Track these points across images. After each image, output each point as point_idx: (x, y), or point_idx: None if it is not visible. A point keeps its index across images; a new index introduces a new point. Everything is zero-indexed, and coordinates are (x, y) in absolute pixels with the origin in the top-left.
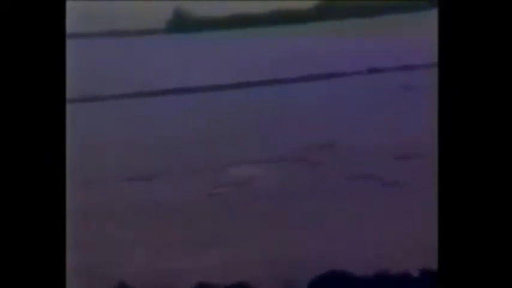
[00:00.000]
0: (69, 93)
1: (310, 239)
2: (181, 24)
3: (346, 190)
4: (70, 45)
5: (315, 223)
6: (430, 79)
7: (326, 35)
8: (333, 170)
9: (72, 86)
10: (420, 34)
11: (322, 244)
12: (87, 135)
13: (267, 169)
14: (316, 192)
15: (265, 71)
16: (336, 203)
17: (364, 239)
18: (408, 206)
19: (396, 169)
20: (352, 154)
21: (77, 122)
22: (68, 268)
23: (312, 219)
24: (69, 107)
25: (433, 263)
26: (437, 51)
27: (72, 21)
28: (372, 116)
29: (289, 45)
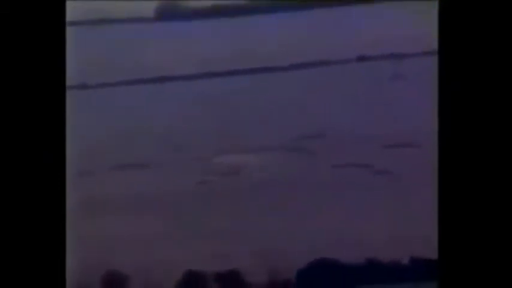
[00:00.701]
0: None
1: (300, 228)
2: (172, 12)
3: (336, 179)
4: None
5: (305, 212)
6: (422, 68)
7: (316, 23)
8: (324, 159)
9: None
10: (413, 23)
11: (313, 232)
12: (75, 125)
13: (257, 158)
14: (307, 181)
15: (253, 60)
16: (326, 191)
17: (355, 226)
18: (398, 194)
19: (387, 158)
20: (343, 143)
21: (69, 111)
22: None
23: (302, 208)
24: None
25: (423, 251)
26: (428, 40)
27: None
28: (362, 105)
29: (279, 34)
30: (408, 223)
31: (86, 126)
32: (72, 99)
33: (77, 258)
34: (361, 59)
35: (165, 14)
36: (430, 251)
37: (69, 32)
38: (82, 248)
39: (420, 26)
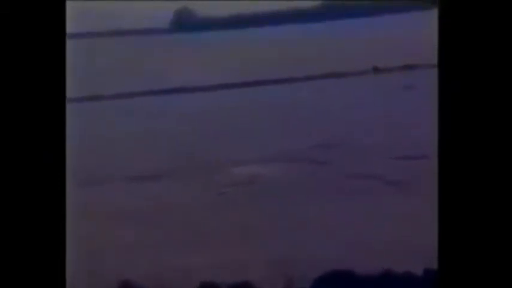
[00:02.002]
0: (72, 92)
1: (314, 238)
2: (185, 23)
3: (349, 189)
4: (73, 45)
5: (319, 222)
6: (433, 79)
7: (329, 34)
8: (336, 169)
9: (76, 85)
10: (422, 34)
11: (326, 243)
12: (94, 135)
13: (271, 168)
14: (320, 192)
15: (269, 70)
16: (339, 202)
17: (367, 238)
18: (410, 206)
19: (399, 169)
20: (355, 154)
21: (85, 121)
22: (72, 268)
23: (316, 219)
24: (71, 106)
25: (436, 263)
26: (437, 51)
27: (75, 21)
28: (375, 115)
29: (293, 45)
30: (421, 234)
31: (100, 137)
32: (84, 110)
33: (90, 269)
34: (376, 70)
35: (181, 24)
36: None
37: (82, 43)
38: (96, 259)
39: (432, 36)
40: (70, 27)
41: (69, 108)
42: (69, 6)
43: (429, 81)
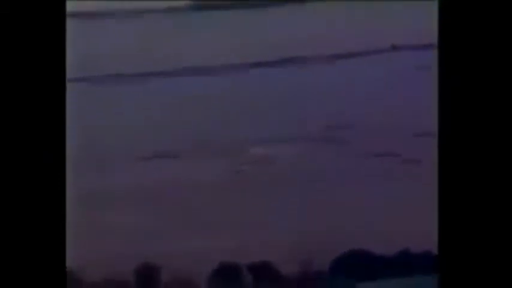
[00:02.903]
0: (87, 71)
1: (331, 218)
2: (205, 3)
3: (367, 168)
4: (87, 24)
5: (336, 201)
6: None
7: (344, 15)
8: (354, 149)
9: (91, 64)
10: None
11: (345, 223)
12: (106, 115)
13: (289, 148)
14: (337, 171)
15: (285, 50)
16: (357, 181)
17: (385, 216)
18: (428, 183)
19: (415, 147)
20: (372, 132)
21: (103, 100)
22: (89, 249)
23: (333, 197)
24: (83, 86)
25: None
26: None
27: (88, 1)
28: (390, 95)
29: (312, 25)
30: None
31: (120, 118)
32: (112, 90)
33: (109, 251)
34: (394, 48)
35: (201, 5)
36: None
37: (99, 23)
38: (114, 241)
39: None
40: (85, 5)
41: (82, 87)
42: None
43: None
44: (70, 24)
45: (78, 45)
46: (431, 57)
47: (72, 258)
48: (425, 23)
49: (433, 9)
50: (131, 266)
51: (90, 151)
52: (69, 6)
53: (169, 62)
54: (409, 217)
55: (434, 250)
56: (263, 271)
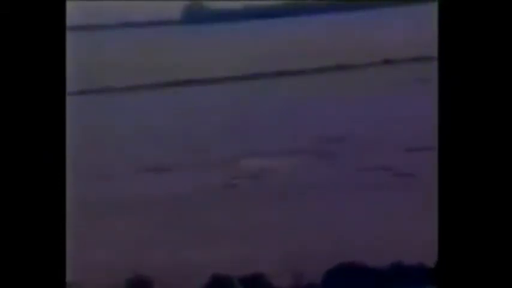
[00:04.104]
0: (82, 85)
1: (323, 231)
2: (197, 16)
3: (359, 182)
4: (84, 37)
5: (327, 215)
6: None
7: (338, 26)
8: (346, 162)
9: (85, 77)
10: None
11: (337, 235)
12: (99, 127)
13: (279, 161)
14: (329, 184)
15: (278, 62)
16: (349, 194)
17: (377, 230)
18: (420, 197)
19: (407, 161)
20: (363, 146)
21: (95, 113)
22: (82, 261)
23: (324, 211)
24: (80, 98)
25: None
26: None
27: (85, 14)
28: (383, 108)
29: (304, 37)
30: (432, 225)
31: (108, 130)
32: (92, 103)
33: (100, 263)
34: (386, 62)
35: (192, 16)
36: None
37: (89, 35)
38: (106, 253)
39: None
40: (79, 20)
41: (78, 100)
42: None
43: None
44: (69, 37)
45: (75, 57)
46: (424, 71)
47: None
48: (417, 35)
49: (425, 20)
50: (122, 278)
51: (84, 162)
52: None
53: (162, 73)
54: (401, 230)
55: (427, 262)
56: (255, 283)
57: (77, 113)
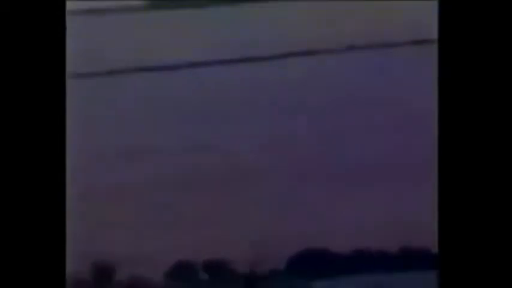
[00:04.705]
0: (78, 68)
1: (288, 217)
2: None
3: (338, 172)
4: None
5: (296, 201)
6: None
7: (317, 13)
8: (328, 153)
9: (74, 61)
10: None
11: (300, 221)
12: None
13: (254, 146)
14: (294, 170)
15: (266, 47)
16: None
17: (343, 214)
18: (394, 188)
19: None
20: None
21: (81, 98)
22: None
23: (293, 197)
24: (75, 82)
25: (412, 241)
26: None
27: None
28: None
29: (293, 21)
30: (399, 212)
31: (94, 115)
32: (78, 88)
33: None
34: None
35: (155, 3)
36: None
37: (79, 19)
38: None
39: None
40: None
41: (73, 83)
42: None
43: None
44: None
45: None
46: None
47: None
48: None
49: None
50: (87, 264)
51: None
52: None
53: (140, 58)
54: (367, 214)
55: (391, 248)
56: (218, 269)
57: (72, 96)
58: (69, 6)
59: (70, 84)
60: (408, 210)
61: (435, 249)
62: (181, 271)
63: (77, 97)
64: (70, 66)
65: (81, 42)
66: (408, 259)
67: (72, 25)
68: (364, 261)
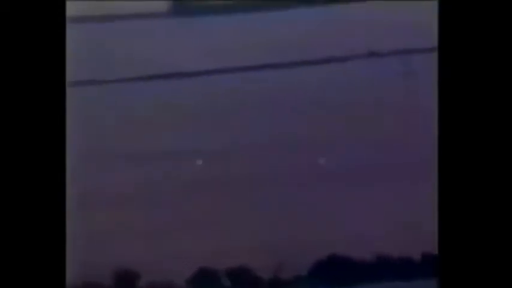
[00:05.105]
0: (71, 76)
1: (311, 223)
2: (183, 7)
3: (341, 177)
4: (71, 29)
5: (317, 207)
6: (431, 64)
7: (326, 18)
8: (327, 158)
9: (74, 69)
10: (422, 17)
11: (323, 227)
12: (90, 120)
13: (268, 151)
14: (313, 175)
15: (266, 55)
16: (331, 187)
17: (364, 222)
18: (410, 191)
19: (400, 153)
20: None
21: (79, 105)
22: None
23: (313, 203)
24: (69, 90)
25: (434, 248)
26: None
27: (74, 5)
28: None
29: (290, 30)
30: (421, 219)
31: (98, 122)
32: (83, 95)
33: (82, 258)
34: (371, 55)
35: (179, 9)
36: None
37: (80, 28)
38: (87, 247)
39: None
40: (69, 11)
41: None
42: None
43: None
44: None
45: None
46: (412, 63)
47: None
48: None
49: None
50: (109, 270)
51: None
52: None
53: (146, 66)
54: (387, 222)
55: (415, 256)
56: (241, 276)
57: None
58: (76, 12)
59: (73, 91)
60: (429, 215)
61: None
62: (204, 278)
63: (81, 103)
64: (71, 74)
65: (88, 48)
66: (430, 266)
67: (79, 31)
68: (386, 268)
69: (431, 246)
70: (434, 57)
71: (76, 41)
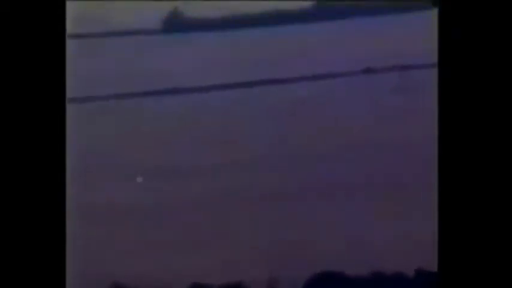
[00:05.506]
0: (69, 93)
1: (306, 239)
2: (177, 24)
3: (337, 188)
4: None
5: (311, 223)
6: (427, 80)
7: (321, 35)
8: (327, 173)
9: (72, 86)
10: (417, 34)
11: (317, 243)
12: (83, 135)
13: (268, 166)
14: (309, 190)
15: (259, 71)
16: (325, 201)
17: (360, 236)
18: (405, 207)
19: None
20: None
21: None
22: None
23: (308, 219)
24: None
25: (429, 264)
26: (433, 51)
27: (68, 22)
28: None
29: (284, 46)
30: (415, 235)
31: (96, 138)
32: (79, 111)
33: (79, 271)
34: (367, 71)
35: (172, 25)
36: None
37: (77, 44)
38: (84, 260)
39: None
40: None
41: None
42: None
43: (423, 83)
44: (69, 45)
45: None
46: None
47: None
48: (405, 44)
49: (413, 30)
50: (104, 286)
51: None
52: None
53: (141, 82)
54: (384, 239)
55: (408, 272)
56: None
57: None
58: (76, 30)
59: (73, 108)
60: (428, 230)
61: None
62: None
63: (77, 119)
64: (71, 91)
65: (84, 64)
66: (426, 282)
67: (80, 48)
68: (381, 284)
69: (427, 262)
70: (431, 72)
71: (73, 57)
